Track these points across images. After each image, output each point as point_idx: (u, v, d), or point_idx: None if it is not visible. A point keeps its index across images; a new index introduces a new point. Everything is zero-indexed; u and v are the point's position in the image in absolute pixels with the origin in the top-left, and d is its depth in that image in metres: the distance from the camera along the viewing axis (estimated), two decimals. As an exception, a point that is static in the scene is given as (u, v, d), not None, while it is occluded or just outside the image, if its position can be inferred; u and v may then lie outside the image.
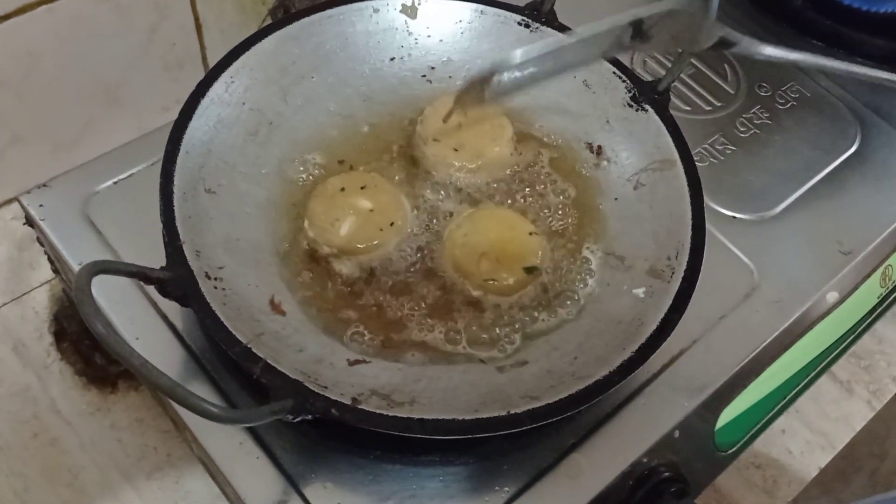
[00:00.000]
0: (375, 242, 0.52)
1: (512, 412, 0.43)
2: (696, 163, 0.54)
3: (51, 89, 0.63)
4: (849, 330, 0.64)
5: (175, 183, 0.48)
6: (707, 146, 0.66)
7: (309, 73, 0.57)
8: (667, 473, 0.51)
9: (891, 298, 0.68)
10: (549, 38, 0.50)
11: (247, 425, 0.48)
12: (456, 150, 0.56)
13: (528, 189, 0.56)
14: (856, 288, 0.61)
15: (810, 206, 0.64)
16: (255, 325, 0.45)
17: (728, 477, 0.61)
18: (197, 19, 0.68)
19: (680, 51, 0.55)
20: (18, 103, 0.62)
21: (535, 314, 0.51)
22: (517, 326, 0.51)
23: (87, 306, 0.37)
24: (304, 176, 0.55)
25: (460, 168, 0.56)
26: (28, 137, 0.64)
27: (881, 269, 0.63)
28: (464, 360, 0.49)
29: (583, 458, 0.50)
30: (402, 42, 0.59)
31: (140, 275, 0.44)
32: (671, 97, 0.58)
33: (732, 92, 0.70)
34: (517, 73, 0.50)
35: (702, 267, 0.50)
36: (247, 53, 0.54)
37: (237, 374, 0.50)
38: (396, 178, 0.56)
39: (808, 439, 0.65)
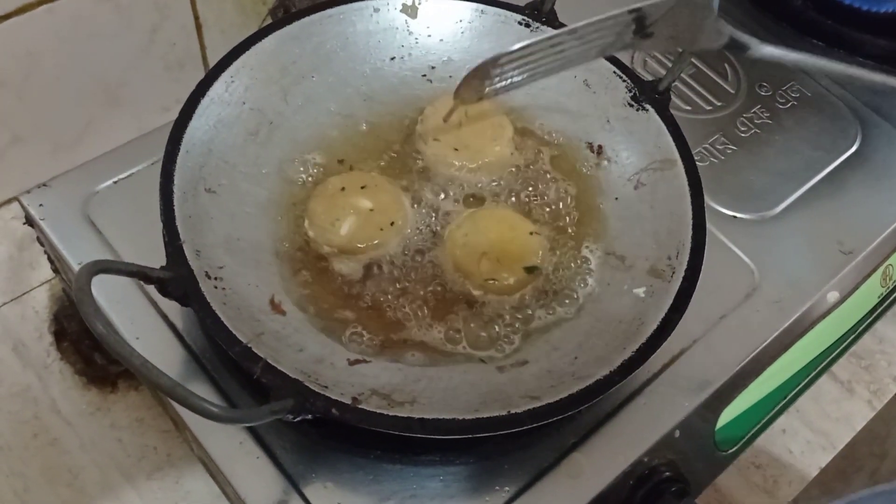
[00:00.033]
0: (376, 242, 0.52)
1: (512, 412, 0.43)
2: (697, 162, 0.54)
3: (51, 89, 0.63)
4: (849, 330, 0.64)
5: (175, 182, 0.48)
6: (708, 146, 0.66)
7: (309, 72, 0.57)
8: (667, 473, 0.51)
9: (891, 298, 0.67)
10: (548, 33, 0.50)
11: (247, 425, 0.48)
12: (456, 149, 0.56)
13: (528, 189, 0.56)
14: (856, 288, 0.61)
15: (811, 205, 0.63)
16: (255, 325, 0.45)
17: (728, 477, 0.61)
18: (197, 19, 0.68)
19: (680, 50, 0.55)
20: (19, 103, 0.62)
21: (536, 314, 0.51)
22: (517, 326, 0.51)
23: (88, 306, 0.37)
24: (304, 176, 0.55)
25: (461, 168, 0.56)
26: (28, 137, 0.64)
27: (882, 269, 0.63)
28: (464, 360, 0.49)
29: (583, 457, 0.50)
30: (403, 42, 0.59)
31: (140, 274, 0.44)
32: (672, 97, 0.58)
33: (733, 91, 0.70)
34: (516, 68, 0.50)
35: (702, 267, 0.50)
36: (247, 53, 0.54)
37: (237, 373, 0.50)
38: (397, 177, 0.56)
39: (809, 439, 0.65)
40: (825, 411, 0.66)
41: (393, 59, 0.59)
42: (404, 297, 0.51)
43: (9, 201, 0.66)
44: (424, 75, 0.60)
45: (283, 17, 0.58)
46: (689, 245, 0.50)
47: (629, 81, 0.57)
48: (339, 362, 0.46)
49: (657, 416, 0.52)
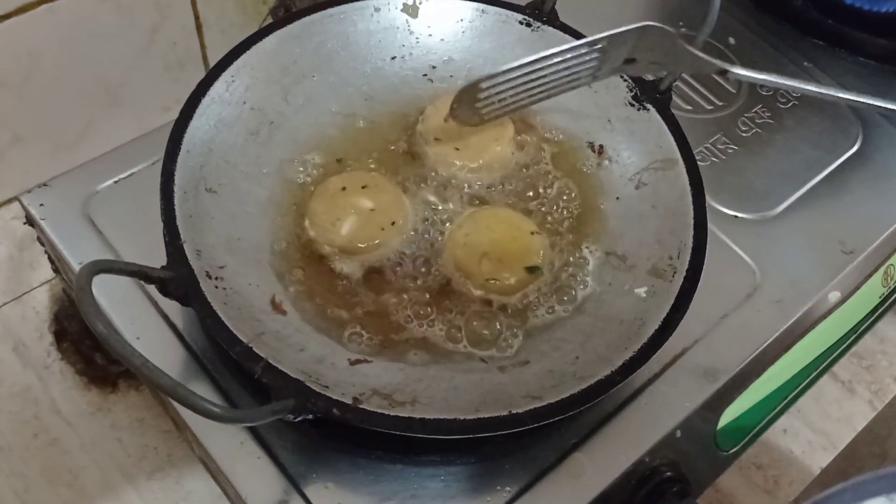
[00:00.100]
0: (376, 242, 0.52)
1: (513, 412, 0.43)
2: (698, 162, 0.54)
3: (52, 89, 0.63)
4: (850, 330, 0.64)
5: (176, 182, 0.48)
6: (709, 145, 0.66)
7: (310, 72, 0.57)
8: (668, 473, 0.51)
9: (892, 298, 0.67)
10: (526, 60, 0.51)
11: (248, 425, 0.48)
12: (457, 149, 0.56)
13: (529, 188, 0.56)
14: (857, 287, 0.61)
15: (812, 205, 0.63)
16: (256, 325, 0.45)
17: (730, 477, 0.61)
18: (198, 19, 0.68)
19: (664, 74, 0.56)
20: (19, 103, 0.62)
21: (537, 314, 0.51)
22: (519, 326, 0.50)
23: (88, 306, 0.37)
24: (303, 176, 0.55)
25: (462, 167, 0.56)
26: (29, 137, 0.64)
27: (883, 269, 0.63)
28: (465, 360, 0.49)
29: (584, 457, 0.50)
30: (404, 41, 0.59)
31: (141, 274, 0.44)
32: (673, 96, 0.58)
33: (734, 91, 0.70)
34: (506, 90, 0.51)
35: (704, 266, 0.50)
36: (248, 53, 0.54)
37: (238, 373, 0.50)
38: (398, 177, 0.56)
39: (810, 439, 0.64)
40: (826, 411, 0.66)
41: (394, 58, 0.59)
42: (405, 296, 0.51)
43: (9, 201, 0.66)
44: (425, 75, 0.60)
45: (283, 16, 0.58)
46: (690, 245, 0.50)
47: (630, 81, 0.57)
48: (340, 362, 0.46)
49: (658, 415, 0.52)
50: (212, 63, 0.69)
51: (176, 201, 0.47)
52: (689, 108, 0.69)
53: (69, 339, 0.62)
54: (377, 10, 0.58)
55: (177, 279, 0.44)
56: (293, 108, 0.56)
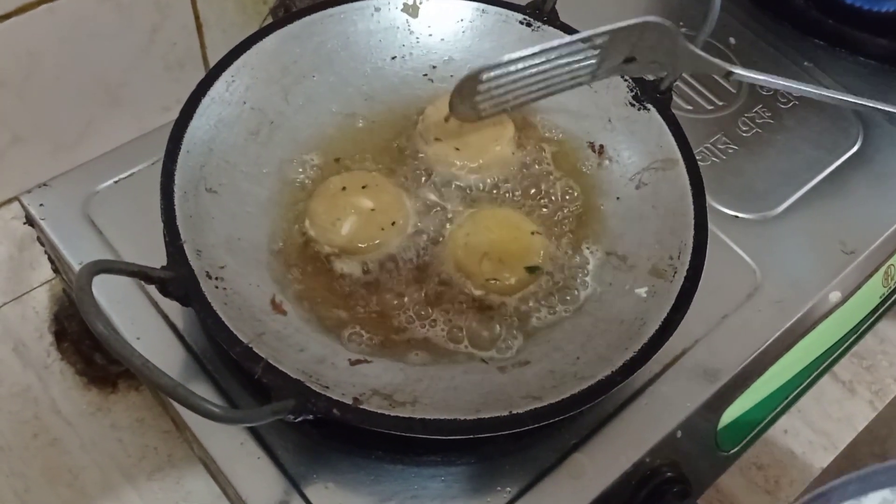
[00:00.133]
0: (377, 242, 0.52)
1: (514, 412, 0.43)
2: (699, 162, 0.54)
3: (52, 89, 0.63)
4: (851, 330, 0.64)
5: (176, 182, 0.48)
6: (709, 145, 0.66)
7: (310, 72, 0.57)
8: (669, 474, 0.51)
9: (893, 298, 0.67)
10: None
11: (248, 425, 0.48)
12: (457, 149, 0.56)
13: (529, 188, 0.56)
14: (858, 288, 0.61)
15: (812, 205, 0.63)
16: (256, 325, 0.45)
17: (730, 477, 0.61)
18: (198, 19, 0.68)
19: (664, 74, 0.55)
20: (19, 103, 0.62)
21: (537, 314, 0.51)
22: (519, 326, 0.50)
23: (88, 306, 0.37)
24: (302, 176, 0.55)
25: (462, 167, 0.56)
26: (29, 137, 0.64)
27: (883, 269, 0.63)
28: (465, 360, 0.49)
29: (585, 458, 0.50)
30: (404, 41, 0.59)
31: (141, 274, 0.44)
32: (673, 96, 0.58)
33: (734, 91, 0.70)
34: (505, 84, 0.51)
35: (704, 266, 0.50)
36: (248, 52, 0.54)
37: (238, 374, 0.50)
38: (398, 177, 0.56)
39: (811, 439, 0.64)
40: (827, 411, 0.66)
41: (394, 58, 0.59)
42: (405, 296, 0.51)
43: (9, 201, 0.66)
44: (425, 75, 0.60)
45: (283, 16, 0.58)
46: (690, 245, 0.50)
47: (630, 81, 0.57)
48: (341, 362, 0.46)
49: (659, 416, 0.52)
50: (212, 63, 0.69)
51: (176, 201, 0.47)
52: (690, 107, 0.68)
53: (69, 339, 0.62)
54: (377, 9, 0.58)
55: (177, 279, 0.44)
56: (293, 107, 0.56)
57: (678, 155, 0.54)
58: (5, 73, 0.60)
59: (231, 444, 0.48)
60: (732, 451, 0.59)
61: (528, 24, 0.59)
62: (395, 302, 0.50)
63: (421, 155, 0.56)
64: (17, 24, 0.58)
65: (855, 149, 0.68)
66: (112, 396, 0.60)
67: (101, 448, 0.57)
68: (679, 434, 0.52)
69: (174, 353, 0.51)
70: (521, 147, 0.57)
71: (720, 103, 0.69)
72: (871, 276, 0.62)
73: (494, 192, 0.56)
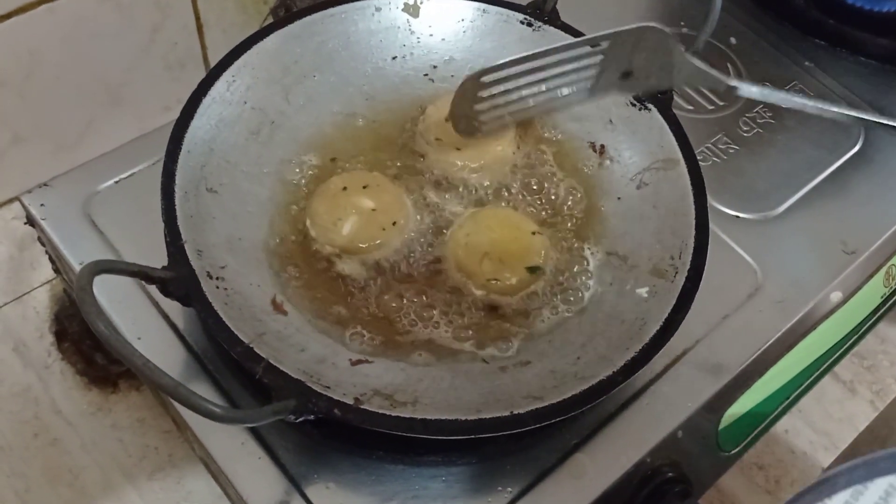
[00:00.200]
0: (377, 242, 0.52)
1: (515, 412, 0.43)
2: (700, 162, 0.54)
3: (52, 89, 0.63)
4: (852, 330, 0.64)
5: (177, 182, 0.48)
6: (710, 145, 0.66)
7: (311, 72, 0.57)
8: (670, 474, 0.51)
9: (894, 298, 0.67)
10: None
11: (249, 425, 0.48)
12: (458, 149, 0.56)
13: (530, 188, 0.56)
14: (859, 288, 0.61)
15: (814, 205, 0.63)
16: (257, 325, 0.45)
17: (731, 477, 0.61)
18: (198, 19, 0.68)
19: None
20: (20, 103, 0.62)
21: (538, 314, 0.51)
22: (520, 326, 0.50)
23: (89, 306, 0.37)
24: (299, 177, 0.55)
25: (463, 167, 0.56)
26: (29, 137, 0.64)
27: (885, 269, 0.63)
28: (466, 360, 0.49)
29: (586, 458, 0.50)
30: (405, 41, 0.59)
31: (142, 274, 0.43)
32: (674, 96, 0.58)
33: (735, 91, 0.70)
34: (503, 95, 0.51)
35: (705, 267, 0.50)
36: (248, 52, 0.54)
37: (239, 374, 0.50)
38: (398, 177, 0.56)
39: (812, 439, 0.64)
40: (828, 412, 0.66)
41: (395, 58, 0.59)
42: (406, 296, 0.51)
43: (10, 201, 0.66)
44: (426, 75, 0.60)
45: (284, 16, 0.58)
46: (691, 245, 0.50)
47: (631, 81, 0.57)
48: (342, 362, 0.46)
49: (660, 416, 0.52)
50: (213, 63, 0.69)
51: (177, 201, 0.47)
52: (691, 107, 0.68)
53: (70, 339, 0.62)
54: (378, 9, 0.58)
55: (178, 279, 0.44)
56: (294, 107, 0.56)
57: (679, 155, 0.54)
58: (6, 73, 0.60)
59: (232, 444, 0.48)
60: (733, 451, 0.59)
61: (529, 24, 0.59)
62: (395, 304, 0.50)
63: (422, 155, 0.56)
64: (17, 24, 0.58)
65: (856, 149, 0.68)
66: (113, 396, 0.60)
67: (102, 448, 0.57)
68: (680, 434, 0.52)
69: (175, 353, 0.51)
70: (522, 147, 0.57)
71: (721, 103, 0.69)
72: (872, 276, 0.62)
73: (495, 192, 0.56)
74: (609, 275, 0.53)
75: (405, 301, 0.50)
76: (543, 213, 0.55)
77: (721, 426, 0.56)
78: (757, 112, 0.69)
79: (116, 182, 0.58)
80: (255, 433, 0.48)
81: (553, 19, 0.59)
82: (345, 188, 0.53)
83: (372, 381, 0.45)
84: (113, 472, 0.56)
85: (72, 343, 0.61)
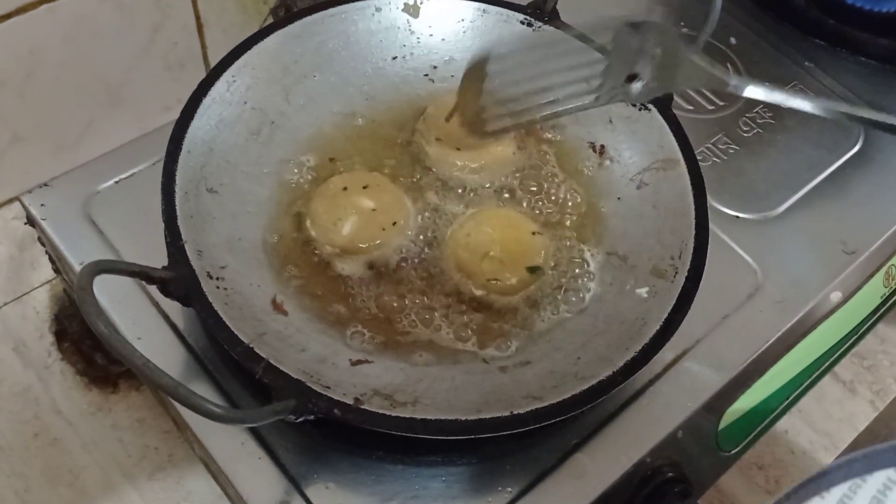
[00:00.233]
0: (378, 242, 0.52)
1: (515, 412, 0.43)
2: (699, 162, 0.54)
3: (52, 89, 0.63)
4: (852, 330, 0.64)
5: (177, 182, 0.48)
6: (710, 145, 0.66)
7: (311, 72, 0.57)
8: (670, 474, 0.51)
9: (894, 298, 0.67)
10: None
11: (249, 425, 0.48)
12: (458, 149, 0.56)
13: (530, 188, 0.56)
14: (859, 288, 0.61)
15: (814, 205, 0.63)
16: (257, 325, 0.45)
17: (731, 477, 0.61)
18: (198, 19, 0.68)
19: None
20: (20, 103, 0.62)
21: (538, 314, 0.51)
22: (520, 326, 0.50)
23: (90, 306, 0.37)
24: (298, 176, 0.55)
25: (463, 167, 0.56)
26: (29, 137, 0.64)
27: (885, 269, 0.63)
28: (467, 360, 0.49)
29: (586, 458, 0.50)
30: (405, 41, 0.59)
31: (142, 274, 0.44)
32: (674, 96, 0.58)
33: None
34: (509, 92, 0.51)
35: (705, 267, 0.50)
36: (248, 52, 0.54)
37: (239, 374, 0.50)
38: (399, 177, 0.56)
39: (812, 439, 0.64)
40: (828, 412, 0.66)
41: (395, 58, 0.59)
42: (406, 296, 0.51)
43: (10, 201, 0.66)
44: (426, 75, 0.60)
45: (284, 16, 0.58)
46: (691, 245, 0.50)
47: (632, 81, 0.57)
48: (342, 362, 0.46)
49: (660, 416, 0.52)
50: (213, 63, 0.69)
51: (177, 201, 0.47)
52: (691, 107, 0.68)
53: (70, 339, 0.62)
54: (378, 9, 0.58)
55: (178, 279, 0.44)
56: (294, 107, 0.56)
57: (679, 155, 0.54)
58: (6, 73, 0.60)
59: (232, 445, 0.48)
60: (733, 452, 0.59)
61: (529, 24, 0.59)
62: (395, 304, 0.50)
63: (422, 155, 0.56)
64: (17, 24, 0.58)
65: (856, 149, 0.67)
66: (113, 396, 0.60)
67: (102, 448, 0.57)
68: (680, 434, 0.52)
69: (175, 354, 0.51)
70: (522, 147, 0.57)
71: (721, 103, 0.69)
72: (872, 276, 0.62)
73: (495, 192, 0.56)
74: (609, 275, 0.53)
75: (406, 301, 0.50)
76: (544, 213, 0.55)
77: (721, 426, 0.56)
78: (757, 112, 0.69)
79: (116, 182, 0.58)
80: (256, 433, 0.48)
81: (553, 19, 0.59)
82: (345, 188, 0.53)
83: (372, 381, 0.45)
84: (113, 472, 0.56)
85: (72, 343, 0.62)
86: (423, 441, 0.43)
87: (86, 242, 0.55)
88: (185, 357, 0.51)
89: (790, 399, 0.62)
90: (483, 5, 0.59)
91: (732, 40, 0.74)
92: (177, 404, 0.41)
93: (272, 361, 0.43)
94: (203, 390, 0.49)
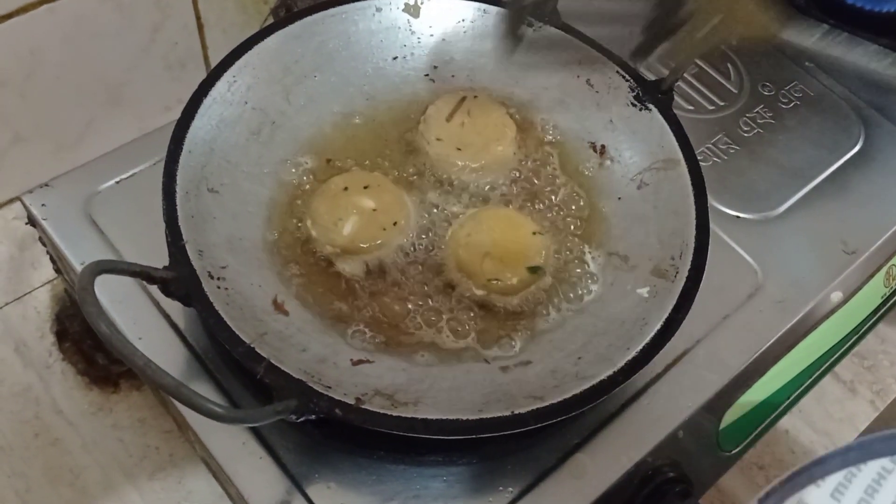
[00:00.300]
0: (378, 242, 0.52)
1: (516, 412, 0.43)
2: (700, 162, 0.54)
3: (53, 89, 0.63)
4: (852, 330, 0.64)
5: (178, 182, 0.48)
6: (710, 145, 0.66)
7: (311, 72, 0.57)
8: (671, 474, 0.51)
9: (894, 299, 0.67)
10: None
11: (250, 425, 0.48)
12: (459, 149, 0.56)
13: (531, 188, 0.56)
14: (860, 288, 0.61)
15: (814, 205, 0.63)
16: (258, 325, 0.45)
17: (732, 477, 0.61)
18: (199, 18, 0.68)
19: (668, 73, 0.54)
20: (20, 103, 0.62)
21: (539, 314, 0.51)
22: (520, 326, 0.50)
23: (91, 306, 0.37)
24: (304, 176, 0.55)
25: (463, 167, 0.56)
26: (30, 137, 0.64)
27: (885, 269, 0.63)
28: (467, 360, 0.49)
29: (587, 458, 0.50)
30: (405, 41, 0.59)
31: (143, 274, 0.44)
32: (674, 96, 0.58)
33: (736, 91, 0.70)
34: None
35: (706, 267, 0.50)
36: (249, 52, 0.54)
37: (240, 374, 0.50)
38: (399, 177, 0.56)
39: (812, 439, 0.64)
40: (828, 412, 0.66)
41: (395, 58, 0.59)
42: (406, 296, 0.51)
43: (11, 201, 0.66)
44: (427, 75, 0.60)
45: (284, 16, 0.58)
46: (692, 245, 0.50)
47: (632, 81, 0.57)
48: (343, 362, 0.46)
49: (660, 416, 0.52)
50: (213, 63, 0.69)
51: (178, 201, 0.47)
52: (691, 108, 0.68)
53: (70, 339, 0.62)
54: (379, 9, 0.58)
55: (179, 279, 0.44)
56: (295, 107, 0.56)
57: (680, 155, 0.54)
58: (7, 73, 0.60)
59: (233, 444, 0.48)
60: (734, 451, 0.59)
61: (530, 24, 0.59)
62: (396, 304, 0.50)
63: (422, 155, 0.56)
64: (18, 24, 0.58)
65: (856, 149, 0.68)
66: (113, 396, 0.60)
67: (103, 448, 0.57)
68: (681, 434, 0.52)
69: (176, 353, 0.51)
70: (523, 147, 0.57)
71: (721, 103, 0.69)
72: (872, 276, 0.62)
73: (496, 191, 0.56)
74: (610, 275, 0.53)
75: (406, 301, 0.50)
76: (544, 213, 0.55)
77: (721, 426, 0.56)
78: (757, 112, 0.69)
79: (117, 182, 0.58)
80: (257, 433, 0.48)
81: (554, 20, 0.59)
82: (346, 188, 0.53)
83: (373, 381, 0.45)
84: (114, 471, 0.56)
85: (73, 343, 0.62)
86: (424, 441, 0.43)
87: (87, 242, 0.55)
88: (185, 357, 0.51)
89: (791, 399, 0.62)
90: (483, 5, 0.59)
91: (733, 40, 0.74)
92: (178, 404, 0.41)
93: (273, 361, 0.43)
94: (204, 390, 0.49)
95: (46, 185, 0.57)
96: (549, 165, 0.57)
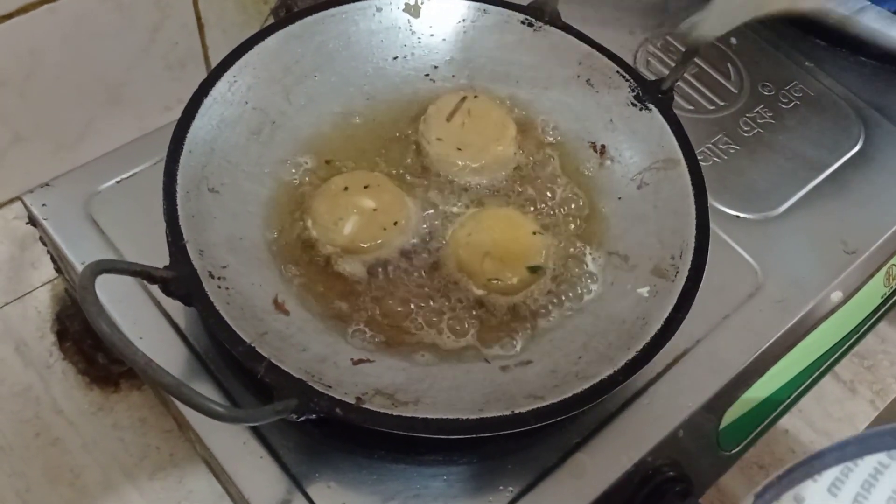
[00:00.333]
0: (378, 242, 0.52)
1: (516, 412, 0.43)
2: (700, 162, 0.54)
3: (53, 89, 0.63)
4: (852, 330, 0.64)
5: (178, 182, 0.48)
6: (710, 145, 0.66)
7: (312, 72, 0.57)
8: (671, 473, 0.51)
9: (894, 298, 0.67)
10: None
11: (251, 425, 0.48)
12: (459, 149, 0.56)
13: (531, 188, 0.56)
14: (860, 287, 0.61)
15: (814, 205, 0.63)
16: (258, 325, 0.45)
17: (731, 477, 0.61)
18: (199, 18, 0.68)
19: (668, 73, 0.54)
20: (21, 103, 0.62)
21: (539, 313, 0.51)
22: (521, 326, 0.50)
23: (92, 305, 0.37)
24: (304, 176, 0.55)
25: (463, 167, 0.56)
26: (30, 137, 0.64)
27: (885, 269, 0.63)
28: (468, 360, 0.49)
29: (587, 457, 0.50)
30: (405, 41, 0.59)
31: (143, 274, 0.44)
32: (675, 96, 0.58)
33: (736, 91, 0.70)
34: None
35: (706, 266, 0.50)
36: (249, 52, 0.54)
37: (241, 373, 0.50)
38: (399, 177, 0.56)
39: (812, 439, 0.64)
40: (828, 411, 0.66)
41: (395, 58, 0.59)
42: (407, 296, 0.51)
43: (11, 201, 0.66)
44: (427, 75, 0.60)
45: (285, 16, 0.58)
46: (692, 245, 0.50)
47: (632, 81, 0.57)
48: (343, 362, 0.46)
49: (660, 416, 0.52)
50: (213, 63, 0.69)
51: (178, 201, 0.47)
52: (691, 108, 0.69)
53: (71, 338, 0.62)
54: (379, 9, 0.58)
55: (179, 279, 0.44)
56: (295, 107, 0.56)
57: (680, 155, 0.54)
58: (7, 73, 0.60)
59: (233, 444, 0.48)
60: (734, 451, 0.59)
61: (530, 25, 0.59)
62: (397, 302, 0.50)
63: (423, 155, 0.56)
64: (18, 24, 0.58)
65: (856, 149, 0.68)
66: (114, 396, 0.60)
67: (103, 447, 0.57)
68: (681, 434, 0.52)
69: (176, 353, 0.51)
70: (523, 147, 0.57)
71: (722, 103, 0.69)
72: (872, 276, 0.62)
73: (496, 191, 0.56)
74: (610, 274, 0.53)
75: (406, 301, 0.50)
76: (544, 212, 0.55)
77: (721, 426, 0.56)
78: (757, 112, 0.69)
79: (118, 182, 0.58)
80: (257, 432, 0.49)
81: (554, 20, 0.59)
82: (346, 188, 0.53)
83: (373, 381, 0.45)
84: (114, 471, 0.56)
85: (73, 343, 0.62)
86: (425, 440, 0.43)
87: (87, 242, 0.55)
88: (186, 356, 0.51)
89: (790, 398, 0.62)
90: (483, 5, 0.59)
91: (733, 40, 0.74)
92: (178, 403, 0.41)
93: (274, 361, 0.43)
94: (204, 389, 0.49)
95: (47, 184, 0.57)
96: (549, 165, 0.57)
